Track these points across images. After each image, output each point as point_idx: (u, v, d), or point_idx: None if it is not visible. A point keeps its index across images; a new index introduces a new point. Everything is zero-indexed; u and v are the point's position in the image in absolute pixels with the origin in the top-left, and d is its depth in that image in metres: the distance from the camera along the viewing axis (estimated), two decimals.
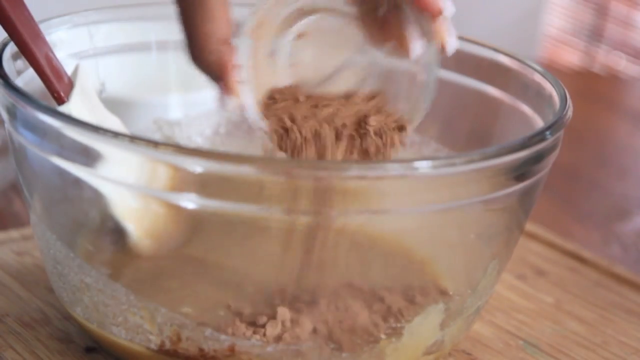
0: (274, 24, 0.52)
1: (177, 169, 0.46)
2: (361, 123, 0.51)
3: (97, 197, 0.50)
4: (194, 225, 0.52)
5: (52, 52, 0.53)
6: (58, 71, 0.52)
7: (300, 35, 0.53)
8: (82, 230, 0.53)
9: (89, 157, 0.47)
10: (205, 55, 0.47)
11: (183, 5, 0.46)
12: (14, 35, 0.51)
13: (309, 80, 0.54)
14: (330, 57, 0.54)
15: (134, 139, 0.46)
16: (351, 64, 0.54)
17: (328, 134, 0.50)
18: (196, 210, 0.48)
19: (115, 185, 0.49)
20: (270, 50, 0.52)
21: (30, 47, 0.52)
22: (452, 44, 0.52)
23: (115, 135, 0.46)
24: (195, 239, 0.54)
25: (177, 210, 0.49)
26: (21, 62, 0.54)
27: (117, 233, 0.52)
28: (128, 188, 0.48)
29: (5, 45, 0.53)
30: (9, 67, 0.52)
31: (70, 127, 0.47)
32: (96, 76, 0.62)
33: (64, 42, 0.59)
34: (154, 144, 0.46)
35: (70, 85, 0.53)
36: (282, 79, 0.53)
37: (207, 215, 0.49)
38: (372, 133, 0.51)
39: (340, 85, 0.54)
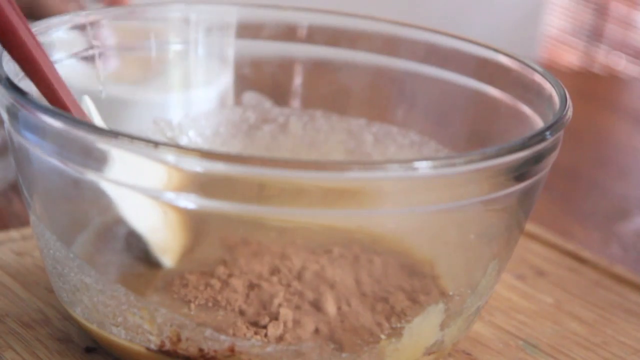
0: None
1: (177, 169, 0.46)
2: None
3: (97, 198, 0.50)
4: (197, 228, 0.52)
5: (69, 90, 0.53)
6: (79, 109, 0.53)
7: None
8: (82, 231, 0.53)
9: (89, 157, 0.47)
10: None
11: None
12: (38, 79, 0.52)
13: None
14: None
15: (133, 139, 0.46)
16: None
17: None
18: (199, 212, 0.48)
19: (116, 186, 0.48)
20: None
21: (59, 96, 0.52)
22: None
23: (115, 135, 0.46)
24: (198, 243, 0.54)
25: (182, 214, 0.49)
26: None
27: (121, 237, 0.52)
28: (129, 189, 0.48)
29: None
30: (9, 67, 0.52)
31: (71, 127, 0.47)
32: (96, 76, 0.62)
33: (64, 42, 0.59)
34: (154, 144, 0.46)
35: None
36: None
37: (208, 217, 0.49)
38: None
39: None
